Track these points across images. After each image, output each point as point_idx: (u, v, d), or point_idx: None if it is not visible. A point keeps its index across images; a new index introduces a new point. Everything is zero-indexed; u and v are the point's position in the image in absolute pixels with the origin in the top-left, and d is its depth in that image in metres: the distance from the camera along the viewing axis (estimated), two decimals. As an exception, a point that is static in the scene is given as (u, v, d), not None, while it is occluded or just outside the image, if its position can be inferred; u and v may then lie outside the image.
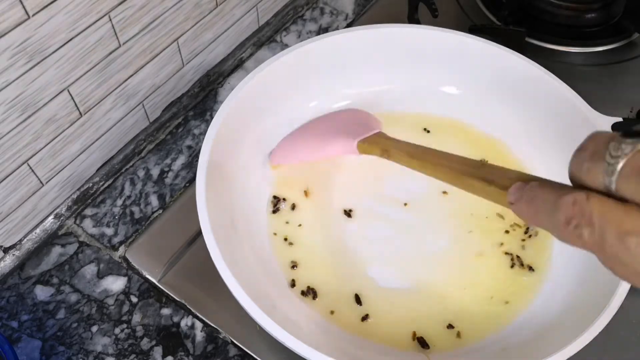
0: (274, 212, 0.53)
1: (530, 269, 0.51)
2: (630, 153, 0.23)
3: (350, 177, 0.56)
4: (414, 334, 0.48)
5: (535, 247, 0.52)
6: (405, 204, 0.55)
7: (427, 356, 0.46)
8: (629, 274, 0.25)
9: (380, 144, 0.50)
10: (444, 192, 0.55)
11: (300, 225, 0.53)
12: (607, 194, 0.25)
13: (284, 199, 0.54)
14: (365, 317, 0.48)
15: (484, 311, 0.49)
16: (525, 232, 0.53)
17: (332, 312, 0.49)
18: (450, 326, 0.48)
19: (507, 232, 0.53)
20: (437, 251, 0.52)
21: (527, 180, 0.31)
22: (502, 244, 0.52)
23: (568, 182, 0.28)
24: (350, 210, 0.54)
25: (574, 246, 0.26)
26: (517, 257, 0.52)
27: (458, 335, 0.48)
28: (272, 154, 0.56)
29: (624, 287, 0.43)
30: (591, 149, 0.25)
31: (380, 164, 0.53)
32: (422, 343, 0.47)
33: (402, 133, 0.58)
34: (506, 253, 0.52)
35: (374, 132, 0.52)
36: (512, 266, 0.51)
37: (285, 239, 0.52)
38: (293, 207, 0.54)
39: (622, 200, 0.24)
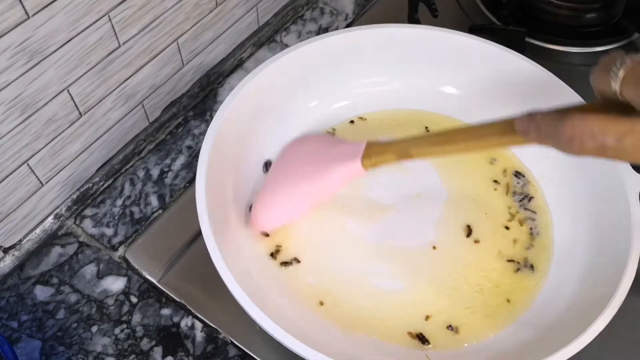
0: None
1: (531, 267, 0.51)
2: (631, 64, 0.30)
3: (353, 185, 0.56)
4: (413, 332, 0.48)
5: (536, 248, 0.52)
6: (405, 202, 0.55)
7: (427, 356, 0.46)
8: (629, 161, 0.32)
9: (390, 150, 0.46)
10: (443, 202, 0.55)
11: (300, 225, 0.53)
12: (615, 100, 0.31)
13: None
14: (366, 317, 0.48)
15: (484, 312, 0.49)
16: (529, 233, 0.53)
17: (332, 312, 0.49)
18: (450, 327, 0.48)
19: (507, 227, 0.53)
20: (437, 250, 0.52)
21: (528, 114, 0.36)
22: (502, 246, 0.52)
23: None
24: (351, 217, 0.54)
25: (579, 155, 0.32)
26: (518, 260, 0.52)
27: (458, 335, 0.48)
28: (253, 218, 0.50)
29: (624, 287, 0.43)
30: (604, 62, 0.31)
31: (380, 168, 0.53)
32: (422, 339, 0.47)
33: (403, 133, 0.59)
34: (509, 260, 0.52)
35: (363, 143, 0.48)
36: (516, 270, 0.51)
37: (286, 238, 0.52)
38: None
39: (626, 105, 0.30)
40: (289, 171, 0.52)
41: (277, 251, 0.51)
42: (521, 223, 0.54)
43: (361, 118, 0.60)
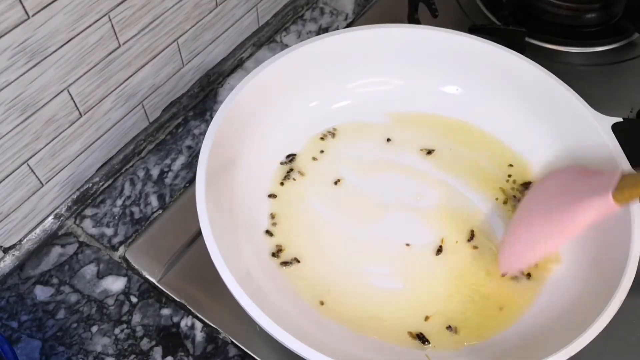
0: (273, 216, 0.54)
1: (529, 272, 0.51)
2: None
3: (351, 179, 0.56)
4: (413, 332, 0.48)
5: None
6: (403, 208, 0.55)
7: (427, 356, 0.46)
8: None
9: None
10: (444, 201, 0.55)
11: (300, 225, 0.53)
12: None
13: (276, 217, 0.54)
14: (366, 317, 0.48)
15: (484, 314, 0.49)
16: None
17: (332, 312, 0.49)
18: (449, 327, 0.48)
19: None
20: (437, 252, 0.52)
21: None
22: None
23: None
24: (351, 218, 0.54)
25: None
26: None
27: (457, 335, 0.48)
28: (503, 258, 0.50)
29: (624, 288, 0.43)
30: None
31: (382, 171, 0.53)
32: (422, 339, 0.47)
33: (403, 133, 0.59)
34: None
35: (615, 174, 0.44)
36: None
37: (286, 238, 0.52)
38: (294, 206, 0.54)
39: None
40: (538, 208, 0.49)
41: (278, 251, 0.51)
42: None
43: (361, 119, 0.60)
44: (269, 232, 0.52)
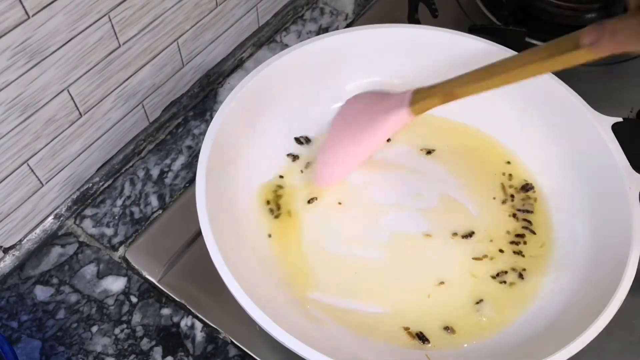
0: (275, 217, 0.54)
1: (525, 269, 0.51)
2: None
3: (351, 179, 0.56)
4: (413, 332, 0.48)
5: (535, 247, 0.52)
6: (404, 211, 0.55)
7: (427, 356, 0.46)
8: None
9: (435, 92, 0.47)
10: (441, 201, 0.55)
11: (300, 225, 0.53)
12: None
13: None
14: (366, 317, 0.48)
15: (483, 314, 0.49)
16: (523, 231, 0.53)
17: (331, 312, 0.49)
18: (447, 328, 0.48)
19: (507, 232, 0.53)
20: (437, 253, 0.52)
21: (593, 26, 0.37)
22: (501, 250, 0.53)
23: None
24: (349, 218, 0.54)
25: None
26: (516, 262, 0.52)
27: (456, 335, 0.48)
28: (317, 177, 0.54)
29: (624, 287, 0.43)
30: None
31: (382, 171, 0.53)
32: (422, 339, 0.47)
33: (403, 133, 0.59)
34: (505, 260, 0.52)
35: (410, 91, 0.49)
36: (515, 270, 0.51)
37: (285, 238, 0.52)
38: (290, 208, 0.54)
39: None
40: (344, 127, 0.53)
41: (279, 251, 0.51)
42: (520, 224, 0.54)
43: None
44: (269, 232, 0.52)
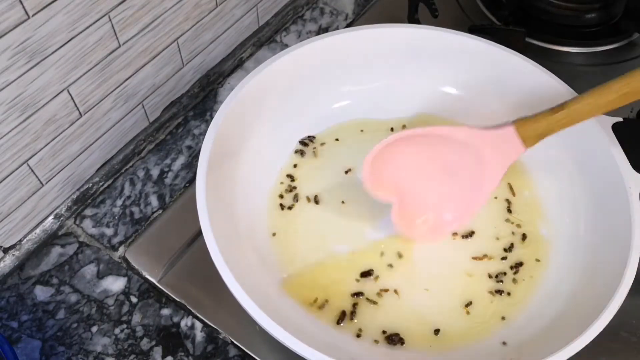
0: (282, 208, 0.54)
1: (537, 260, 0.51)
2: None
3: (353, 186, 0.56)
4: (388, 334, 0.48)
5: (535, 247, 0.52)
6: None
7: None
8: None
9: (544, 125, 0.46)
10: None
11: (300, 225, 0.53)
12: None
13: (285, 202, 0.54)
14: (366, 317, 0.48)
15: (482, 314, 0.49)
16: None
17: (331, 312, 0.49)
18: (437, 331, 0.48)
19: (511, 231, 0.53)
20: (434, 252, 0.52)
21: None
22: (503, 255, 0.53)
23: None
24: (349, 218, 0.54)
25: None
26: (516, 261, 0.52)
27: (450, 337, 0.48)
28: (400, 222, 0.50)
29: (624, 288, 0.43)
30: None
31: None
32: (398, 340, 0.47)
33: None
34: (503, 258, 0.52)
35: (509, 128, 0.46)
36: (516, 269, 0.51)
37: (286, 238, 0.52)
38: (291, 207, 0.54)
39: None
40: (438, 180, 0.49)
41: (279, 251, 0.51)
42: (519, 225, 0.54)
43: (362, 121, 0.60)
44: (270, 232, 0.52)
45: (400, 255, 0.52)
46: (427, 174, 0.49)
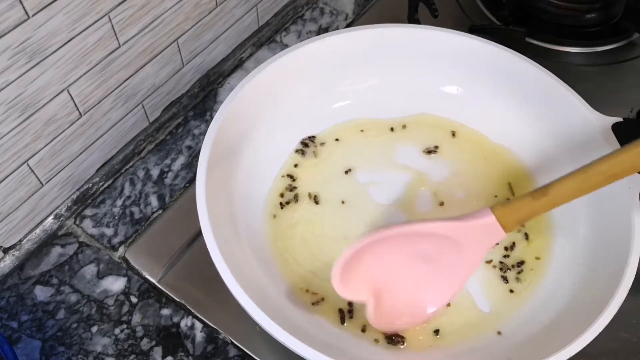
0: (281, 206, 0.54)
1: (536, 259, 0.51)
2: None
3: (350, 180, 0.56)
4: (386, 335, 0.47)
5: (535, 247, 0.52)
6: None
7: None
8: None
9: (524, 210, 0.43)
10: (441, 204, 0.55)
11: (300, 225, 0.53)
12: None
13: (286, 202, 0.54)
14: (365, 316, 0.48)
15: (480, 314, 0.49)
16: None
17: (331, 311, 0.49)
18: (437, 331, 0.48)
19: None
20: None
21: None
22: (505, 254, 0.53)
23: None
24: (349, 218, 0.54)
25: None
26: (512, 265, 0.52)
27: (451, 335, 0.48)
28: (378, 322, 0.47)
29: (624, 287, 0.43)
30: None
31: (386, 171, 0.53)
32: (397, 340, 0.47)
33: (406, 133, 0.59)
34: (505, 256, 0.52)
35: (487, 216, 0.44)
36: (516, 267, 0.51)
37: (285, 238, 0.52)
38: (291, 207, 0.54)
39: None
40: (420, 271, 0.47)
41: (279, 251, 0.51)
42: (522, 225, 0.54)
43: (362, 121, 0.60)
44: (270, 232, 0.52)
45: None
46: (404, 271, 0.47)
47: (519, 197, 0.44)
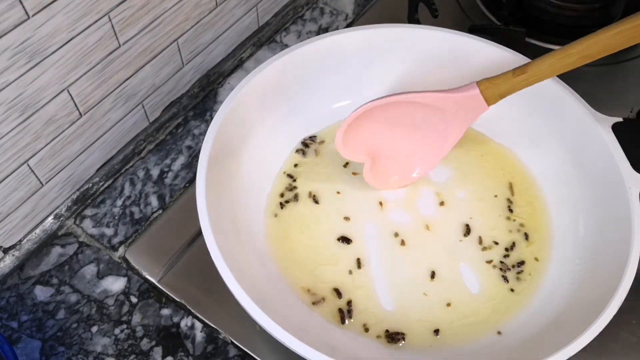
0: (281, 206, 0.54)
1: (522, 263, 0.51)
2: None
3: (353, 184, 0.56)
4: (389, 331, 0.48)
5: (535, 247, 0.52)
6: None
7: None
8: None
9: (506, 83, 0.49)
10: (442, 203, 0.55)
11: (300, 225, 0.53)
12: None
13: (286, 201, 0.54)
14: (366, 317, 0.48)
15: (479, 315, 0.49)
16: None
17: (331, 310, 0.49)
18: (437, 331, 0.48)
19: (509, 231, 0.53)
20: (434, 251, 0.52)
21: None
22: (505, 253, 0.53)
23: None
24: (349, 217, 0.54)
25: None
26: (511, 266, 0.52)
27: (449, 336, 0.48)
28: (372, 180, 0.55)
29: (624, 287, 0.43)
30: None
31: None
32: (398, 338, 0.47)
33: (404, 134, 0.59)
34: (505, 256, 0.52)
35: (470, 85, 0.51)
36: (515, 270, 0.51)
37: (285, 238, 0.52)
38: (291, 206, 0.54)
39: None
40: (407, 133, 0.54)
41: (280, 251, 0.51)
42: (522, 224, 0.54)
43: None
44: (270, 231, 0.52)
45: (396, 254, 0.52)
46: (397, 136, 0.53)
47: (500, 74, 0.49)
